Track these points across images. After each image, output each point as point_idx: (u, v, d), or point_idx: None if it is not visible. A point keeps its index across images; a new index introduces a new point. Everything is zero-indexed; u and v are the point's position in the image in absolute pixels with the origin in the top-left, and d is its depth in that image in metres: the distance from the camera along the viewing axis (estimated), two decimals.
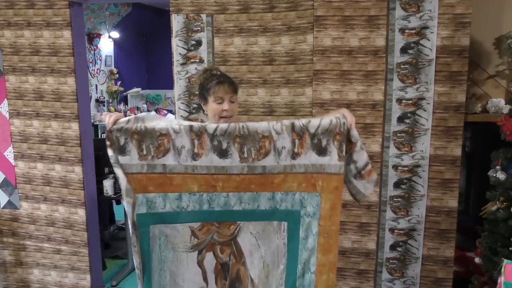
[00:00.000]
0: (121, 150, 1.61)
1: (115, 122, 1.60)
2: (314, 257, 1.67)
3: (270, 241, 1.70)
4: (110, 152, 1.61)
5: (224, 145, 1.61)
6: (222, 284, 1.72)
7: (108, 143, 1.60)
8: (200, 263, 1.70)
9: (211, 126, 1.61)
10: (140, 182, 1.62)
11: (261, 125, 1.62)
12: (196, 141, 1.61)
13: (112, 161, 1.62)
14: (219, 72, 2.03)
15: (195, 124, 1.62)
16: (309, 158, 1.63)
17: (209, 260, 1.70)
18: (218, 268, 1.71)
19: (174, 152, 1.61)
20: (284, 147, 1.62)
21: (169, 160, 1.62)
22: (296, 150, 1.62)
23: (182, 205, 1.64)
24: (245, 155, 1.61)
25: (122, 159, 1.61)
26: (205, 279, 1.71)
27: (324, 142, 1.63)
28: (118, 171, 1.61)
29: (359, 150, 1.68)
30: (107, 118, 1.61)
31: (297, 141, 1.62)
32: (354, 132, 1.65)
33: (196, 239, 1.68)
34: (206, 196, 1.64)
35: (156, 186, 1.62)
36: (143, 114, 1.67)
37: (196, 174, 1.63)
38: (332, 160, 1.64)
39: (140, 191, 1.63)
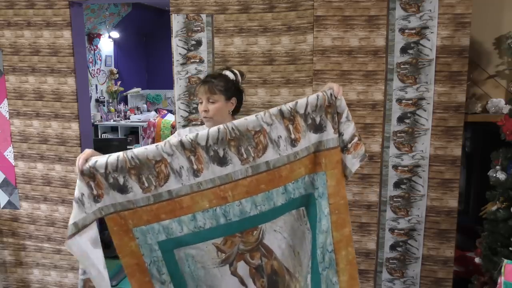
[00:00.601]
0: (123, 190, 1.57)
1: (86, 160, 1.54)
2: (330, 237, 1.67)
3: (293, 230, 1.68)
4: (81, 193, 1.53)
5: (221, 153, 1.58)
6: (260, 283, 1.71)
7: (81, 182, 1.52)
8: (234, 273, 1.69)
9: (201, 137, 1.56)
10: (151, 213, 1.59)
11: (250, 121, 1.57)
12: (192, 158, 1.57)
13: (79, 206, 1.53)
14: (219, 72, 2.02)
15: (185, 139, 1.57)
16: (309, 139, 1.61)
17: (242, 268, 1.68)
18: (253, 272, 1.70)
19: (175, 175, 1.58)
20: (281, 136, 1.59)
21: (173, 184, 1.58)
22: (293, 136, 1.59)
23: (198, 224, 1.61)
24: (245, 156, 1.58)
25: (125, 197, 1.57)
26: (243, 283, 1.70)
27: (318, 119, 1.61)
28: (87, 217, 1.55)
29: (345, 121, 1.65)
30: (77, 161, 1.54)
31: (291, 127, 1.59)
32: (342, 102, 1.63)
33: (223, 254, 1.66)
34: (219, 210, 1.60)
35: (167, 212, 1.60)
36: (130, 150, 1.60)
37: (203, 190, 1.59)
38: (329, 134, 1.63)
39: (153, 221, 1.60)
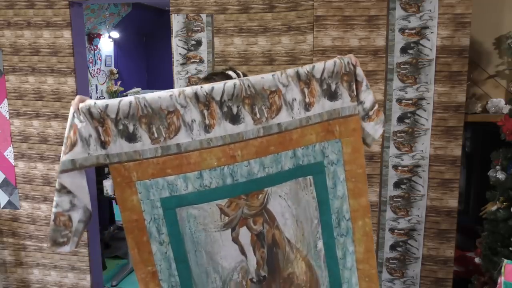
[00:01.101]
0: (131, 138, 1.51)
1: (82, 101, 1.48)
2: (346, 204, 1.65)
3: (298, 199, 1.65)
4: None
5: (235, 110, 1.53)
6: (260, 253, 1.66)
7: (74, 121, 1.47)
8: (235, 239, 1.63)
9: (217, 90, 1.51)
10: (157, 166, 1.54)
11: (266, 80, 1.54)
12: (206, 112, 1.52)
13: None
14: (219, 71, 2.01)
15: (200, 91, 1.51)
16: (323, 105, 1.58)
17: (244, 234, 1.63)
18: (254, 240, 1.65)
19: (186, 129, 1.53)
20: (295, 99, 1.56)
21: (182, 138, 1.53)
22: (307, 100, 1.57)
23: (204, 183, 1.56)
24: (258, 115, 1.54)
25: (130, 146, 1.52)
26: (243, 252, 1.65)
27: (333, 86, 1.58)
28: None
29: (365, 89, 1.62)
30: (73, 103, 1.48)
31: (306, 90, 1.56)
32: (359, 71, 1.60)
33: (226, 217, 1.60)
34: (227, 170, 1.56)
35: (174, 167, 1.54)
36: (142, 94, 1.53)
37: (213, 147, 1.54)
38: (345, 102, 1.60)
39: (158, 175, 1.55)
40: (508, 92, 2.74)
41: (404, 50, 2.52)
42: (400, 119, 2.58)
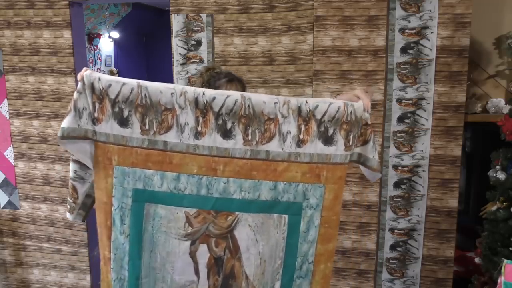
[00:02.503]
0: (123, 122, 1.53)
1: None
2: (313, 248, 1.64)
3: (269, 236, 1.62)
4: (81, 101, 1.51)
5: (229, 125, 1.54)
6: (214, 280, 1.64)
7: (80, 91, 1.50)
8: (192, 254, 1.62)
9: (217, 102, 1.52)
10: (139, 156, 1.55)
11: (268, 106, 1.54)
12: (200, 119, 1.53)
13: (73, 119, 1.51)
14: (223, 71, 2.02)
15: (201, 98, 1.53)
16: (315, 146, 1.57)
17: (203, 253, 1.62)
18: (211, 263, 1.63)
19: (177, 129, 1.54)
20: (290, 132, 1.55)
21: (171, 137, 1.54)
22: (301, 137, 1.56)
23: (179, 186, 1.56)
24: (249, 137, 1.54)
25: (123, 131, 1.54)
26: (196, 272, 1.63)
27: (330, 131, 1.57)
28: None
29: (372, 146, 1.63)
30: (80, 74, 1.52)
31: (303, 127, 1.55)
32: (367, 116, 1.59)
33: (190, 227, 1.59)
34: (205, 180, 1.56)
35: (155, 163, 1.55)
36: (146, 82, 1.55)
37: (197, 155, 1.55)
38: (338, 150, 1.59)
39: (138, 165, 1.56)
40: (508, 92, 2.74)
41: (404, 50, 2.52)
42: (400, 119, 2.58)
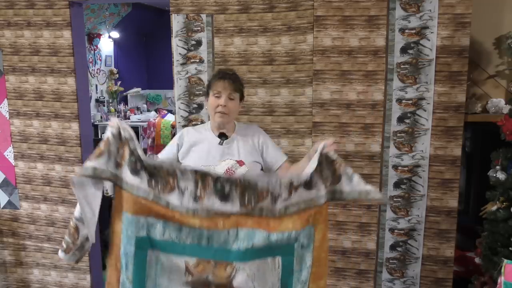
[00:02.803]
0: (135, 172, 1.63)
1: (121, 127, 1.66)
2: (306, 287, 1.71)
3: (265, 280, 1.69)
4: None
5: (227, 190, 1.62)
6: None
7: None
8: None
9: (215, 173, 1.67)
10: (144, 206, 1.63)
11: (262, 185, 1.64)
12: (199, 183, 1.62)
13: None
14: (229, 71, 2.03)
15: (200, 168, 1.66)
16: (300, 195, 1.66)
17: None
18: None
19: (178, 192, 1.62)
20: (280, 195, 1.65)
21: (173, 199, 1.62)
22: (289, 195, 1.66)
23: (181, 236, 1.63)
24: (246, 202, 1.62)
25: (133, 180, 1.63)
26: None
27: (311, 178, 1.67)
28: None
29: (347, 179, 1.70)
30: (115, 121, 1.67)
31: (293, 191, 1.66)
32: (333, 154, 1.70)
33: (190, 276, 1.65)
34: (206, 233, 1.63)
35: (158, 214, 1.63)
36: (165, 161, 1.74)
37: (195, 217, 1.63)
38: (320, 191, 1.68)
39: (141, 214, 1.63)
40: (508, 92, 2.74)
41: (404, 50, 2.52)
42: (400, 119, 2.58)
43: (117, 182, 1.65)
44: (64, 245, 1.70)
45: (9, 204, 3.21)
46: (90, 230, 1.65)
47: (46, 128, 3.06)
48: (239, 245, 1.63)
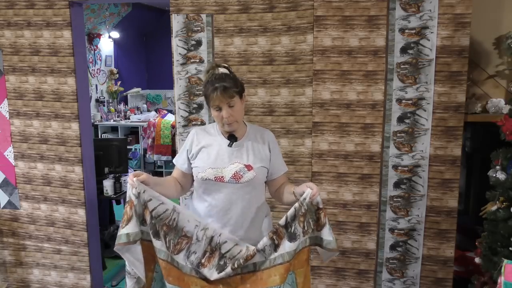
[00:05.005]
0: (156, 234, 1.75)
1: (136, 175, 1.73)
2: None
3: None
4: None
5: (227, 263, 1.79)
6: None
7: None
8: None
9: (225, 247, 1.81)
10: (164, 269, 1.78)
11: (259, 260, 1.79)
12: (207, 254, 1.80)
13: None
14: (220, 72, 1.94)
15: (216, 239, 1.80)
16: (284, 247, 1.79)
17: None
18: None
19: (185, 253, 1.78)
20: (266, 245, 1.78)
21: (180, 258, 1.78)
22: (276, 242, 1.78)
23: None
24: (236, 266, 1.77)
25: (155, 242, 1.75)
26: None
27: (293, 228, 1.78)
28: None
29: (328, 230, 1.82)
30: (132, 180, 1.73)
31: (274, 236, 1.78)
32: (319, 199, 1.80)
33: None
34: None
35: (174, 277, 1.78)
36: (180, 208, 1.80)
37: (199, 279, 1.80)
38: (300, 238, 1.80)
39: (164, 276, 1.79)
40: (508, 92, 2.74)
41: (404, 50, 2.52)
42: (400, 119, 2.58)
43: (144, 238, 1.77)
44: None
45: (9, 204, 3.21)
46: (140, 273, 1.77)
47: (46, 128, 3.06)
48: None
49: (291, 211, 1.78)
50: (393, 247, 2.70)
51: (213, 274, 1.78)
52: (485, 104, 2.78)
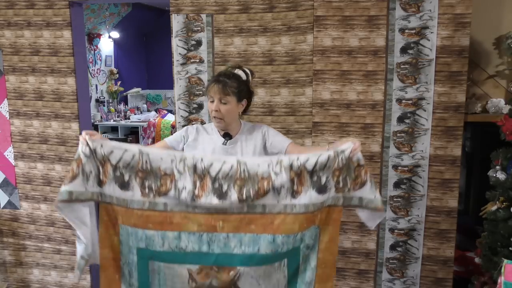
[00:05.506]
0: (124, 186, 1.61)
1: (91, 135, 1.61)
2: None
3: (270, 279, 1.67)
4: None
5: (225, 188, 1.60)
6: None
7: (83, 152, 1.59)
8: None
9: (214, 168, 1.60)
10: (140, 218, 1.62)
11: (261, 168, 1.60)
12: (198, 183, 1.60)
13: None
14: (233, 71, 1.99)
15: (199, 165, 1.61)
16: (309, 196, 1.61)
17: None
18: None
19: (175, 192, 1.61)
20: (283, 186, 1.60)
21: (170, 199, 1.62)
22: (295, 187, 1.61)
23: (181, 245, 1.62)
24: (244, 196, 1.59)
25: (124, 194, 1.61)
26: None
27: (323, 180, 1.61)
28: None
29: (370, 187, 1.65)
30: (84, 138, 1.61)
31: (296, 179, 1.61)
32: (360, 156, 1.63)
33: (194, 283, 1.64)
34: (206, 237, 1.62)
35: (155, 223, 1.62)
36: (147, 149, 1.65)
37: (196, 213, 1.62)
38: (331, 193, 1.64)
39: (139, 226, 1.63)
40: (508, 92, 2.74)
41: (404, 50, 2.52)
42: (400, 119, 2.58)
43: (102, 200, 1.64)
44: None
45: (9, 204, 3.21)
46: (88, 237, 1.64)
47: (46, 128, 3.06)
48: (244, 250, 1.61)
49: (322, 158, 1.60)
50: (393, 247, 2.70)
51: (212, 200, 1.60)
52: (485, 104, 2.78)
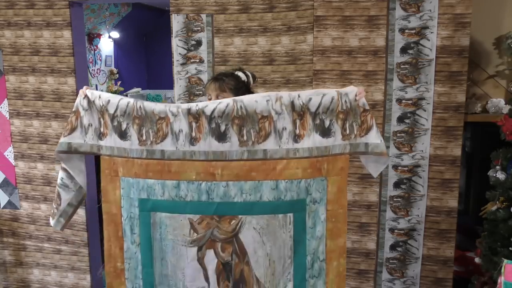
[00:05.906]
0: (123, 135, 1.62)
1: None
2: (323, 245, 1.62)
3: (275, 237, 1.61)
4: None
5: (223, 128, 1.55)
6: (224, 286, 1.65)
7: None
8: (200, 260, 1.65)
9: (209, 107, 1.56)
10: (141, 167, 1.62)
11: (260, 104, 1.55)
12: (194, 124, 1.57)
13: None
14: (233, 72, 2.01)
15: (193, 106, 1.57)
16: (313, 140, 1.57)
17: (210, 259, 1.64)
18: (220, 268, 1.65)
19: (172, 137, 1.59)
20: (285, 128, 1.56)
21: (168, 145, 1.59)
22: (298, 131, 1.56)
23: (180, 194, 1.60)
24: (245, 138, 1.55)
25: (124, 144, 1.62)
26: (206, 278, 1.66)
27: (327, 122, 1.57)
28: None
29: (376, 133, 1.62)
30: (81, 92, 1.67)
31: (298, 122, 1.56)
32: (364, 101, 1.60)
33: (195, 234, 1.62)
34: (205, 186, 1.58)
35: (155, 172, 1.61)
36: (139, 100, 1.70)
37: (194, 161, 1.58)
38: (336, 140, 1.59)
39: (141, 176, 1.62)
40: (508, 92, 2.74)
41: (404, 50, 2.52)
42: (400, 119, 2.58)
43: (103, 152, 1.66)
44: (51, 211, 1.77)
45: (9, 204, 3.21)
46: (81, 183, 1.74)
47: (46, 128, 3.06)
48: (245, 198, 1.57)
49: (326, 99, 1.55)
50: (393, 247, 2.70)
51: (212, 144, 1.56)
52: (485, 104, 2.78)
